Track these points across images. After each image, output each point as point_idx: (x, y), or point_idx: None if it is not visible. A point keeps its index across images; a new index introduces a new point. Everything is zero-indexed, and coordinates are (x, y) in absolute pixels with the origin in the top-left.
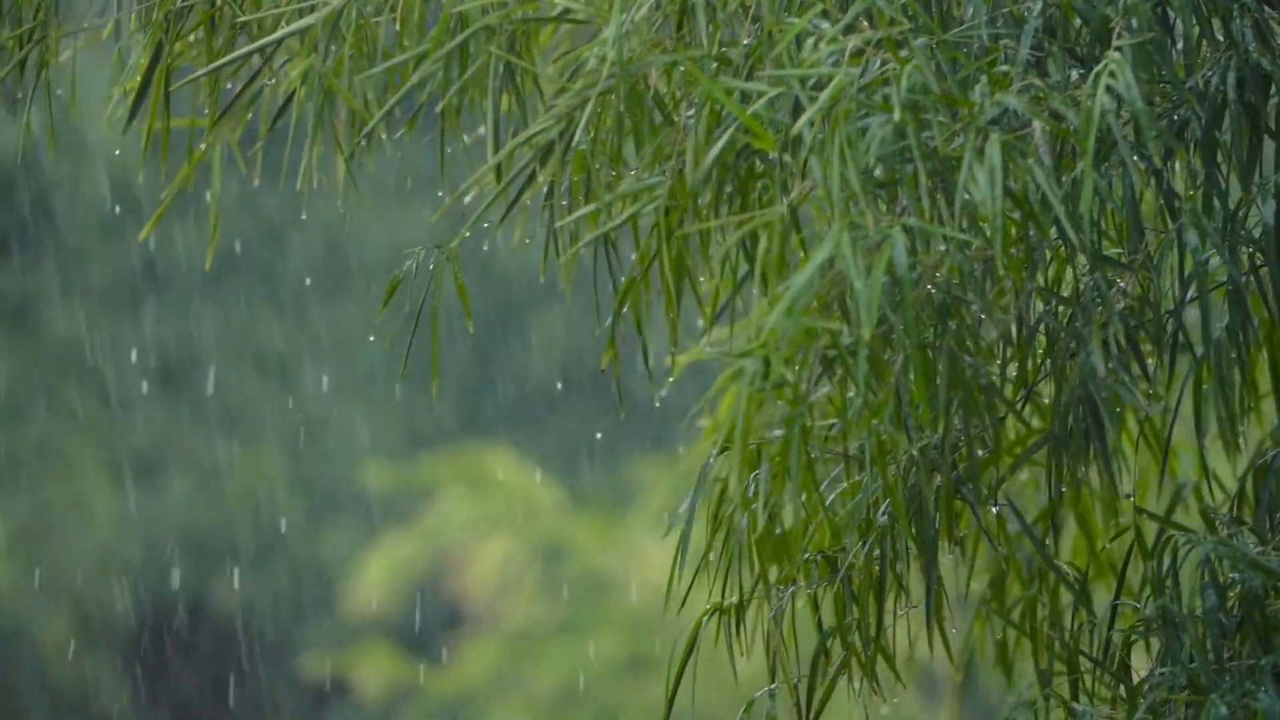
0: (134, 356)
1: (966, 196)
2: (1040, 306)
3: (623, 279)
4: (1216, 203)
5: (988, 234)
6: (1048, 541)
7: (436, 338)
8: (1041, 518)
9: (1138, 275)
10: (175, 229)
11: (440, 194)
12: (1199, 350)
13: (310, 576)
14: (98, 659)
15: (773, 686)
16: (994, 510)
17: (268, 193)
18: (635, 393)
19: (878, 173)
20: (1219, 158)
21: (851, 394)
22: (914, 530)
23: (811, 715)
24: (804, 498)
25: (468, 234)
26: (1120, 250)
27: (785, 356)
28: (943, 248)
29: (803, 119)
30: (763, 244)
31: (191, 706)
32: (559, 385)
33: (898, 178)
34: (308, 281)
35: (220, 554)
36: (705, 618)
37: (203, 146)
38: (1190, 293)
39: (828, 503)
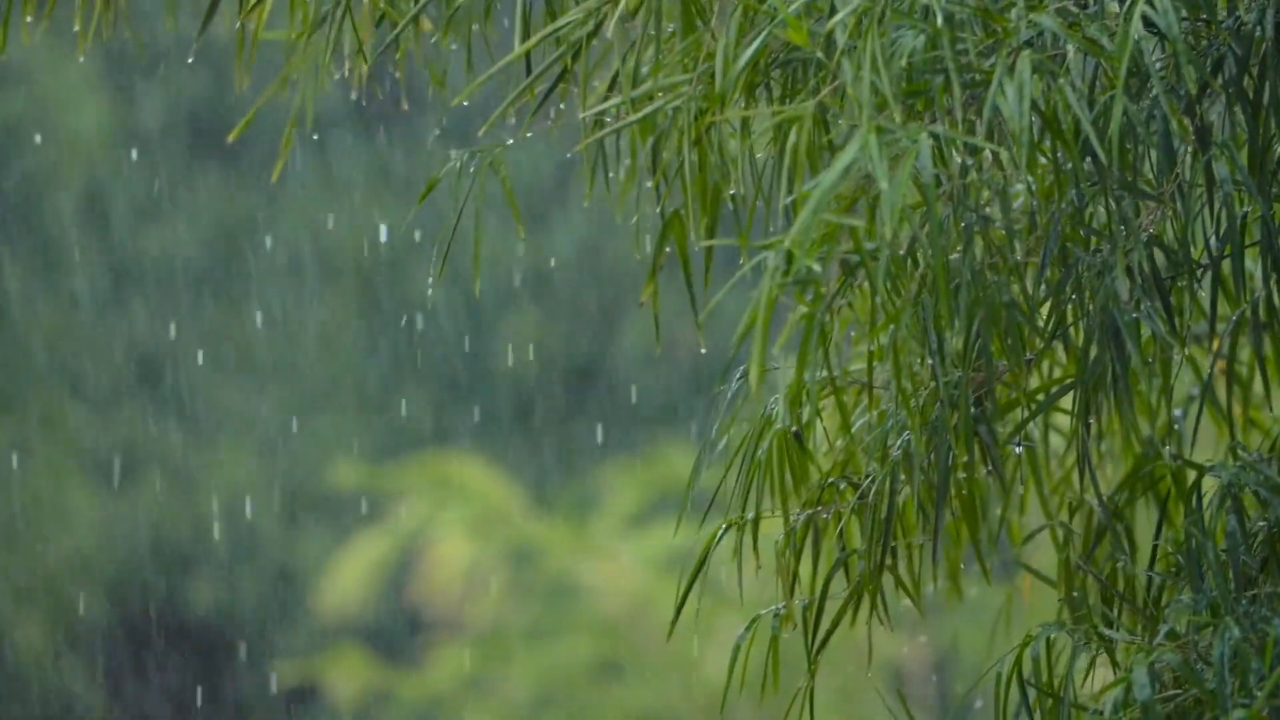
0: (108, 356)
1: (996, 114)
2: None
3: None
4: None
5: (1015, 151)
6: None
7: (480, 237)
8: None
9: (1166, 208)
10: (150, 229)
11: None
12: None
13: (283, 580)
14: (72, 662)
15: (779, 607)
16: (1017, 450)
17: (242, 193)
18: (611, 398)
19: (906, 82)
20: (1252, 98)
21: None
22: (930, 462)
23: (819, 641)
24: (821, 411)
25: (510, 141)
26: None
27: (810, 251)
28: (970, 161)
29: (838, 17)
30: (791, 138)
31: (165, 710)
32: (530, 389)
33: (928, 88)
34: (284, 281)
35: (194, 557)
36: (720, 533)
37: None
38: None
39: (852, 431)
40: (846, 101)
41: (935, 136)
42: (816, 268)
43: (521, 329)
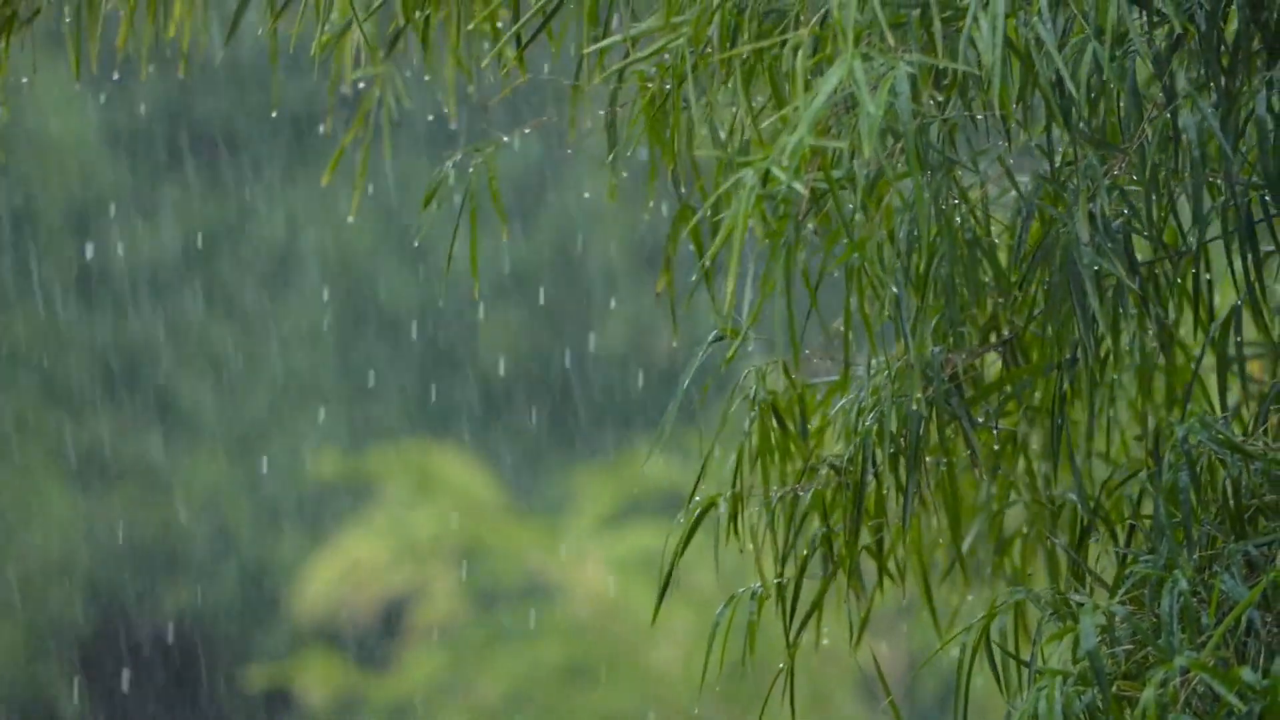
0: (84, 358)
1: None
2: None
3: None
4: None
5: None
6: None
7: (476, 229)
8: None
9: (1130, 158)
10: (123, 232)
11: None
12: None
13: (258, 582)
14: (47, 665)
15: (755, 586)
16: (994, 431)
17: (218, 194)
18: (584, 398)
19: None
20: (1226, 62)
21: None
22: (901, 437)
23: (796, 617)
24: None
25: (504, 139)
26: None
27: (788, 172)
28: (940, 98)
29: None
30: (785, 62)
31: (143, 713)
32: (508, 389)
33: (905, 21)
34: (259, 281)
35: (168, 559)
36: (702, 510)
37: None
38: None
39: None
40: (829, 31)
41: (911, 65)
42: (797, 186)
43: (504, 326)
